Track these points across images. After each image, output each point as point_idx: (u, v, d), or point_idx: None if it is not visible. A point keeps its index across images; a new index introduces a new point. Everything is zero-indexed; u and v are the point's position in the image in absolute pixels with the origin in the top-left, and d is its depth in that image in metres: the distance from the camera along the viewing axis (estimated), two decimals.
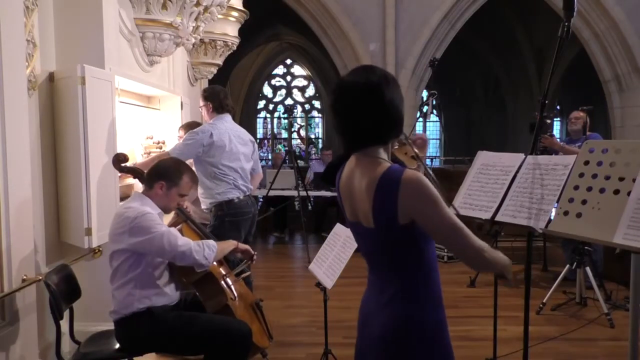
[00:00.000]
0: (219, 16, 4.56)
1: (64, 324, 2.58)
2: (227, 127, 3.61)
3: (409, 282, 1.53)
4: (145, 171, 2.74)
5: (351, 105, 1.50)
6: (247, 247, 2.78)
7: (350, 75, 1.54)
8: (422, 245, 1.51)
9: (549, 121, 7.06)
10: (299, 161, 8.96)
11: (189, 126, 3.86)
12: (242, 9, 5.29)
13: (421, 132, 7.85)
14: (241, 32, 5.54)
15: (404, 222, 1.44)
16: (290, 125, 10.30)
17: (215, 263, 2.77)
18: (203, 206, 3.65)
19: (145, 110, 4.29)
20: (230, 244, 2.70)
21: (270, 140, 16.77)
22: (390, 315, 1.53)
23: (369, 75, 1.50)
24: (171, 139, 4.22)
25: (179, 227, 2.72)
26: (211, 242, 2.55)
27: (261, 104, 16.65)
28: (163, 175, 2.54)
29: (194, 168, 3.56)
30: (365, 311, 1.65)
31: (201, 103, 3.74)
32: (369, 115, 1.48)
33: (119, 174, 3.20)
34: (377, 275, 1.61)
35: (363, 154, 1.53)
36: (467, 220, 2.87)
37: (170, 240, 2.39)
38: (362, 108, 1.48)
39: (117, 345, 2.53)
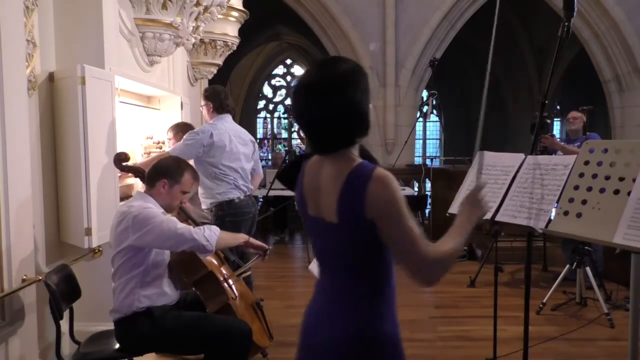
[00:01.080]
0: (219, 16, 4.55)
1: (64, 324, 2.58)
2: (227, 128, 3.62)
3: (366, 289, 1.42)
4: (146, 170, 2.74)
5: (309, 110, 1.39)
6: (259, 242, 2.71)
7: (305, 74, 1.43)
8: (383, 248, 1.42)
9: (549, 121, 7.06)
10: None
11: (178, 127, 3.85)
12: (242, 9, 5.29)
13: (421, 132, 7.84)
14: (241, 32, 5.54)
15: (369, 218, 1.36)
16: (290, 125, 10.29)
17: (216, 262, 2.78)
18: (204, 206, 3.66)
19: (145, 110, 4.28)
20: (240, 236, 2.66)
21: (270, 140, 16.77)
22: (344, 328, 1.43)
23: (324, 73, 1.40)
24: None
25: None
26: (213, 226, 2.53)
27: (261, 104, 16.65)
28: (165, 173, 2.54)
29: (195, 168, 3.57)
30: (313, 320, 1.54)
31: (202, 103, 3.75)
32: (328, 117, 1.37)
33: (119, 174, 3.20)
34: (330, 279, 1.51)
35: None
36: None
37: (169, 225, 2.37)
38: (319, 110, 1.37)
39: (117, 345, 2.53)
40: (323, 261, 1.53)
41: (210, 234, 2.43)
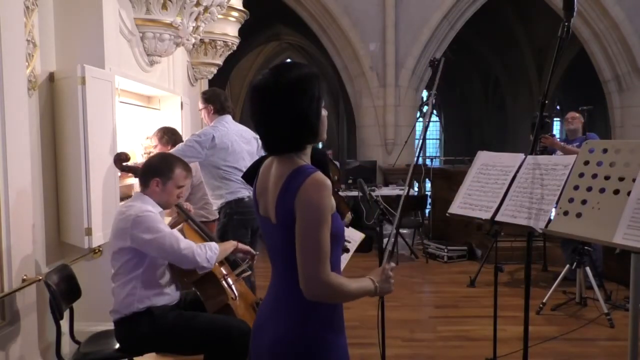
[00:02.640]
0: (219, 16, 4.55)
1: (64, 324, 2.58)
2: (229, 129, 3.62)
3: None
4: None
5: (257, 112, 1.44)
6: (247, 247, 2.76)
7: (260, 77, 1.46)
8: None
9: (548, 121, 7.06)
10: None
11: (162, 131, 3.83)
12: (242, 9, 5.29)
13: (420, 132, 7.84)
14: (241, 32, 5.54)
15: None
16: None
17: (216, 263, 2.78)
18: (214, 207, 3.68)
19: (145, 110, 4.29)
20: (230, 245, 2.68)
21: None
22: (282, 330, 1.47)
23: (275, 78, 1.42)
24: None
25: (179, 226, 2.72)
26: (213, 244, 2.55)
27: None
28: (155, 171, 2.53)
29: (201, 172, 3.58)
30: (260, 319, 1.58)
31: (200, 106, 3.73)
32: (275, 121, 1.42)
33: (119, 174, 3.20)
34: (277, 279, 1.53)
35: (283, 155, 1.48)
36: (468, 220, 2.88)
37: (172, 243, 2.38)
38: (267, 115, 1.42)
39: (117, 345, 2.53)
40: (272, 260, 1.56)
41: (212, 255, 2.46)
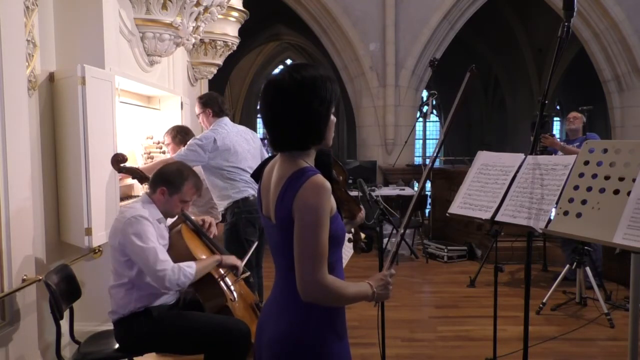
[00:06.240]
0: (219, 16, 4.55)
1: (64, 324, 2.58)
2: (229, 130, 3.62)
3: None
4: (149, 175, 2.74)
5: (267, 106, 1.45)
6: (232, 262, 2.68)
7: (276, 73, 1.48)
8: None
9: (548, 120, 7.06)
10: None
11: (175, 130, 3.82)
12: (242, 9, 5.29)
13: (421, 132, 7.85)
14: (241, 32, 5.54)
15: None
16: None
17: None
18: (220, 208, 3.67)
19: (145, 110, 4.28)
20: (213, 260, 2.60)
21: None
22: (280, 329, 1.48)
23: (289, 76, 1.42)
24: None
25: (178, 227, 2.72)
26: (190, 267, 2.44)
27: None
28: (165, 180, 2.53)
29: (203, 175, 3.57)
30: (264, 317, 1.60)
31: (198, 110, 3.72)
32: (282, 119, 1.42)
33: (119, 176, 3.20)
34: (278, 278, 1.54)
35: (287, 154, 1.48)
36: (468, 220, 2.87)
37: (149, 258, 2.34)
38: (276, 110, 1.43)
39: (117, 345, 2.54)
40: (274, 260, 1.56)
41: (184, 281, 2.39)
